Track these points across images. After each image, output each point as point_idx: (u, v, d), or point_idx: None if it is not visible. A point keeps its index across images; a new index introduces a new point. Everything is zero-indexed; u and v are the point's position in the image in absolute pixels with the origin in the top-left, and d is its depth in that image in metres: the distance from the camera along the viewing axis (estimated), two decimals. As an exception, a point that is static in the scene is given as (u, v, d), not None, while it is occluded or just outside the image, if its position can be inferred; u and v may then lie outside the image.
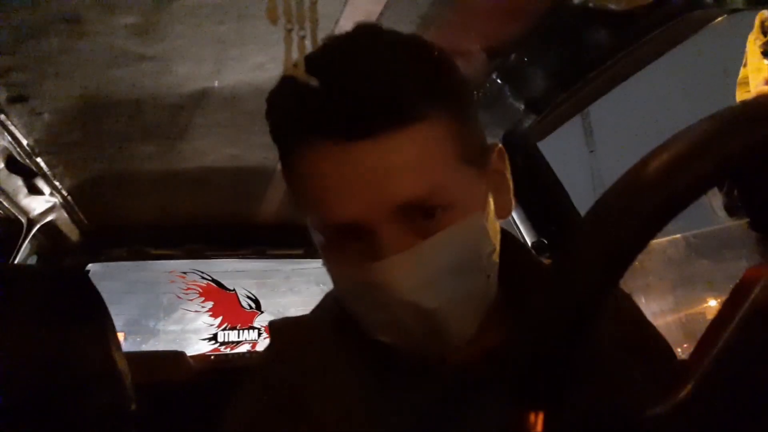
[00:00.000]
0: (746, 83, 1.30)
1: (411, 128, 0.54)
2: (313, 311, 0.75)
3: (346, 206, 0.54)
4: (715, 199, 1.27)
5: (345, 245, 0.57)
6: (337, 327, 0.67)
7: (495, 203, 0.64)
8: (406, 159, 0.54)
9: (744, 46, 1.31)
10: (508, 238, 0.69)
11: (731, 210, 1.20)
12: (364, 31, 0.61)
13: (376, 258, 0.54)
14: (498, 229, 0.64)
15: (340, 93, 0.53)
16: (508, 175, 0.67)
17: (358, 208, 0.54)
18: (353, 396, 0.64)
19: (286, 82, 0.58)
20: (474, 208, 0.59)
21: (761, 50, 1.24)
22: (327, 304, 0.73)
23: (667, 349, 0.74)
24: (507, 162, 0.67)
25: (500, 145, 0.67)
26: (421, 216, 0.55)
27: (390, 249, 0.54)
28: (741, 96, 1.29)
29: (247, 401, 0.70)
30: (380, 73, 0.54)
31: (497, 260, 0.62)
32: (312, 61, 0.53)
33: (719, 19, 1.10)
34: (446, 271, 0.56)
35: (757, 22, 1.25)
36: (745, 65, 1.32)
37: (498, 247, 0.63)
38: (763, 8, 1.22)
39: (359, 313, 0.60)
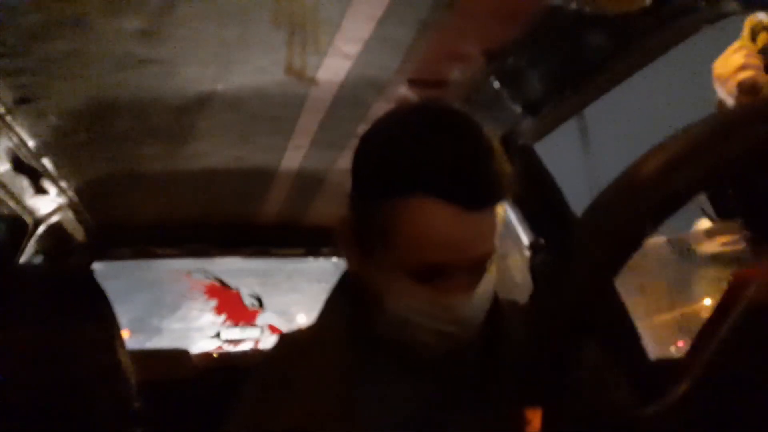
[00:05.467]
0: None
1: (498, 206, 0.74)
2: (317, 322, 0.86)
3: (446, 253, 0.71)
4: (705, 201, 1.27)
5: (424, 278, 0.73)
6: (350, 334, 0.81)
7: None
8: (491, 228, 0.73)
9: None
10: None
11: (720, 212, 1.20)
12: (456, 113, 0.75)
13: (449, 292, 0.73)
14: None
15: (470, 173, 0.69)
16: None
17: (453, 256, 0.72)
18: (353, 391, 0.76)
19: (409, 134, 0.72)
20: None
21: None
22: (331, 316, 0.85)
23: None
24: None
25: None
26: (481, 266, 0.74)
27: (460, 288, 0.73)
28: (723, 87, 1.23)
29: (245, 401, 0.82)
30: (494, 160, 0.71)
31: None
32: (423, 130, 0.71)
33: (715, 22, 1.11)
34: (483, 302, 0.76)
35: (746, 30, 1.21)
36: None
37: None
38: (757, 11, 1.21)
39: (411, 322, 0.75)
